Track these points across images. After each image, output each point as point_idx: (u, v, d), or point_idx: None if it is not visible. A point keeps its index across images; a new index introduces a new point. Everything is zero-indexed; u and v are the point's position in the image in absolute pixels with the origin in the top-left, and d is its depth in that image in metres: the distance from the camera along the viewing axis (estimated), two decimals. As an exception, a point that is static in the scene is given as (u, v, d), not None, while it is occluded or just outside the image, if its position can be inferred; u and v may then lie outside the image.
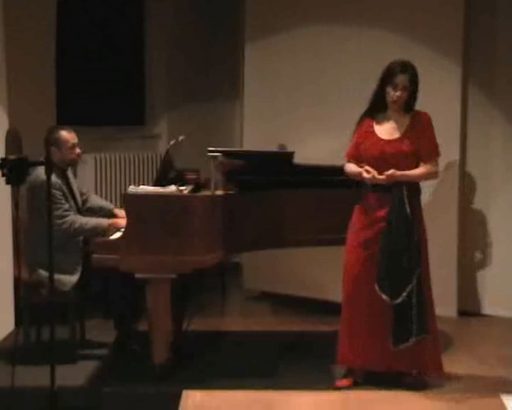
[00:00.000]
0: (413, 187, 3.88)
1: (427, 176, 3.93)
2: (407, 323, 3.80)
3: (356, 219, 3.97)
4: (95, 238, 4.18)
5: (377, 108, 3.94)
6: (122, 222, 4.22)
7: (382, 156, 3.85)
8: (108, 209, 4.62)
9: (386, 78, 3.86)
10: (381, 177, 3.81)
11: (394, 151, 3.85)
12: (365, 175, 3.86)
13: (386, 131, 3.92)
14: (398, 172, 3.80)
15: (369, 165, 3.89)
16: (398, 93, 3.84)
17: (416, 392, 3.89)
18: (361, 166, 3.93)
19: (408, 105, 3.90)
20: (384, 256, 3.82)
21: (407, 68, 3.84)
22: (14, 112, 4.76)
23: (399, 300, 3.78)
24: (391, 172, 3.79)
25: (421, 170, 3.88)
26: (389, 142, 3.88)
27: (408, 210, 3.81)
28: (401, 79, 3.82)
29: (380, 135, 3.92)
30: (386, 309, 3.84)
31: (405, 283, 3.79)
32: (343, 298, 3.99)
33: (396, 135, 3.89)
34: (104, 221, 4.32)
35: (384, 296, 3.81)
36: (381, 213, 3.87)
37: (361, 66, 5.22)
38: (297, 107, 5.66)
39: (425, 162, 3.90)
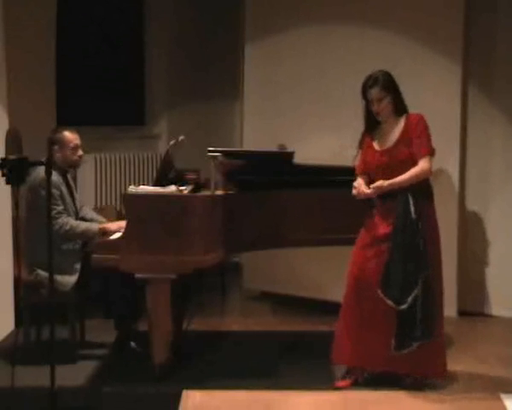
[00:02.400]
0: (420, 191, 3.86)
1: (417, 176, 3.86)
2: (411, 328, 3.79)
3: (364, 225, 3.98)
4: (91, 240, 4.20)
5: (372, 123, 3.97)
6: (112, 227, 4.23)
7: (379, 167, 3.89)
8: (99, 222, 4.58)
9: (363, 95, 3.92)
10: (367, 191, 3.84)
11: (389, 160, 3.87)
12: (353, 192, 3.91)
13: (381, 142, 3.95)
14: (386, 183, 3.82)
15: (371, 176, 3.95)
16: (375, 107, 3.89)
17: (415, 392, 3.88)
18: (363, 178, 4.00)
19: (396, 109, 3.91)
20: (390, 262, 3.81)
21: (375, 81, 3.87)
22: (14, 112, 4.76)
23: (405, 305, 3.77)
24: (378, 183, 3.83)
25: (408, 173, 3.84)
26: (384, 152, 3.91)
27: (413, 216, 3.79)
28: (372, 93, 3.87)
29: (376, 147, 3.96)
30: (389, 312, 3.83)
31: (411, 288, 3.78)
32: (344, 298, 4.00)
33: (390, 144, 3.91)
34: (94, 226, 4.32)
35: (389, 302, 3.80)
36: (388, 219, 3.87)
37: (361, 65, 5.19)
38: (297, 106, 5.66)
39: (417, 162, 3.89)
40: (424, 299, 3.79)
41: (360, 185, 3.91)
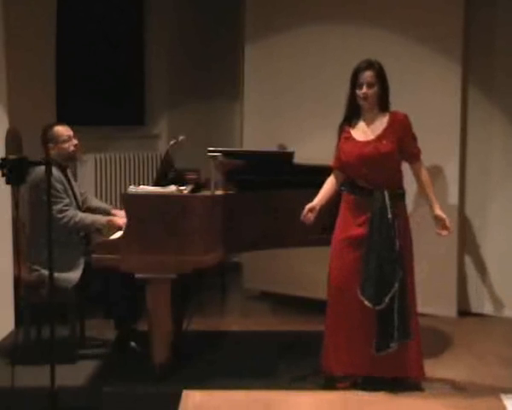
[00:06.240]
0: (396, 192, 3.85)
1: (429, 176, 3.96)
2: (389, 328, 3.77)
3: (337, 223, 3.95)
4: (95, 237, 4.20)
5: (352, 114, 3.92)
6: (120, 221, 4.24)
7: (360, 158, 3.83)
8: (106, 209, 4.64)
9: (353, 79, 3.87)
10: (444, 233, 3.84)
11: (371, 152, 3.82)
12: (303, 215, 3.89)
13: (363, 133, 3.90)
14: (441, 213, 3.85)
15: (348, 168, 3.90)
16: (363, 90, 3.82)
17: (415, 393, 3.89)
18: (337, 177, 3.99)
19: (381, 103, 3.87)
20: (366, 262, 3.79)
21: (371, 65, 3.84)
22: (14, 111, 4.76)
23: (382, 305, 3.76)
24: (449, 225, 3.83)
25: (430, 181, 3.91)
26: (366, 143, 3.86)
27: (390, 216, 3.77)
28: (365, 75, 3.82)
29: (357, 138, 3.90)
30: (369, 314, 3.81)
31: (388, 288, 3.76)
32: (327, 304, 3.98)
33: (373, 136, 3.86)
34: (102, 218, 4.39)
35: (366, 302, 3.78)
36: (363, 217, 3.84)
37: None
38: (297, 105, 5.66)
39: (420, 166, 3.91)
40: (401, 299, 3.78)
41: (310, 216, 3.88)
